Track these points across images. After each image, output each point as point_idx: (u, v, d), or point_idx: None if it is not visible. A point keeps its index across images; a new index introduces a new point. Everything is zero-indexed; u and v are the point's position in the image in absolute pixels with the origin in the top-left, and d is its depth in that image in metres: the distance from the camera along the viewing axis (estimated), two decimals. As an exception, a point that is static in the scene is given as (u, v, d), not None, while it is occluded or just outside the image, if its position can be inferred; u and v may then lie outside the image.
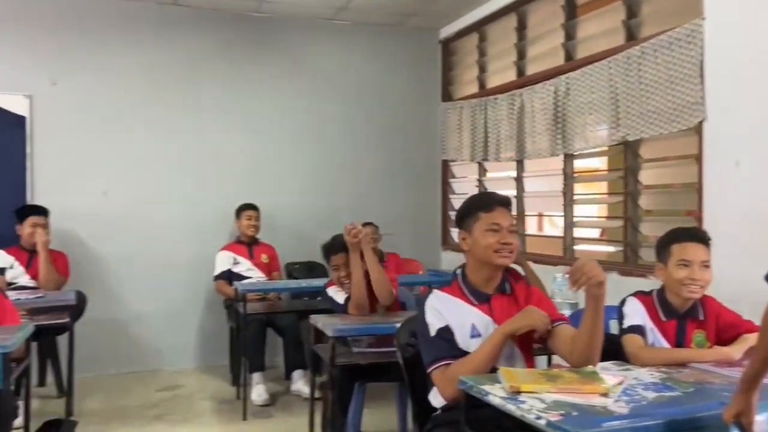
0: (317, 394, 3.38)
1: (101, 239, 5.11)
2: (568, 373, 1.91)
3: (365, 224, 5.20)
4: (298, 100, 5.61)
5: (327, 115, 5.69)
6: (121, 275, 5.16)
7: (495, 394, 1.74)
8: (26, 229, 4.53)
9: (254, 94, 5.50)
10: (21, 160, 4.89)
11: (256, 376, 4.36)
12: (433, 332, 2.09)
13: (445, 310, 2.13)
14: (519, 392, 1.73)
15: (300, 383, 4.42)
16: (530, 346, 2.20)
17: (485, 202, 2.21)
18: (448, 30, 5.87)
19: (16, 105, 4.86)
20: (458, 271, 2.24)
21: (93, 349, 4.66)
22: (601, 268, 1.88)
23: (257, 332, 4.44)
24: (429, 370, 2.07)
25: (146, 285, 5.20)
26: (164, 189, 5.28)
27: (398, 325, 2.44)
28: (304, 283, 4.77)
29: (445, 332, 2.09)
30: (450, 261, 5.72)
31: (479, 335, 2.10)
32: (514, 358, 2.14)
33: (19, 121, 4.87)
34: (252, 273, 4.96)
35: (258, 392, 4.30)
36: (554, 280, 3.09)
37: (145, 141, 5.23)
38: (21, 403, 2.92)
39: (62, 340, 4.37)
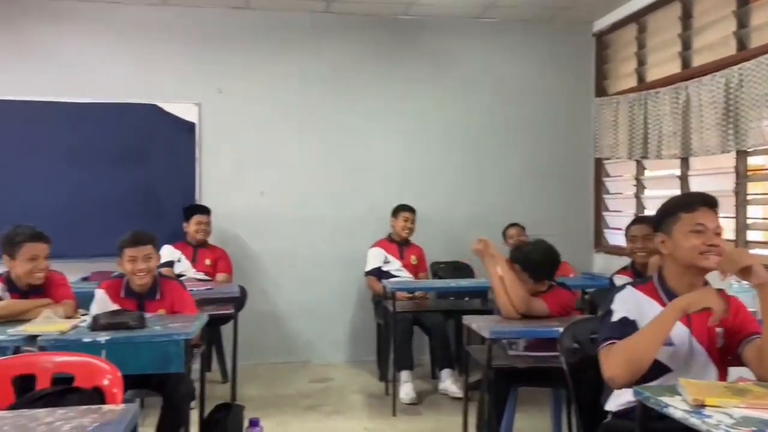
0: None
1: (258, 236, 5.41)
2: (756, 387, 1.75)
3: (511, 225, 5.12)
4: (445, 100, 5.63)
5: (473, 114, 5.66)
6: (276, 271, 5.43)
7: (676, 407, 1.62)
8: (191, 226, 4.91)
9: (401, 96, 5.58)
10: (191, 164, 5.30)
11: (404, 375, 4.40)
12: (615, 318, 2.00)
13: (636, 307, 2.02)
14: (703, 405, 1.61)
15: (448, 382, 4.41)
16: (725, 359, 2.04)
17: (687, 201, 2.08)
18: (603, 22, 5.61)
19: (187, 112, 5.28)
20: (655, 274, 2.12)
21: (251, 340, 4.91)
22: (749, 254, 1.80)
23: (405, 331, 4.48)
24: (598, 348, 1.98)
25: (299, 280, 5.44)
26: (316, 189, 5.49)
27: (560, 329, 2.36)
28: (452, 283, 4.76)
29: (628, 324, 1.98)
30: (603, 264, 5.47)
31: (672, 344, 1.97)
32: (707, 370, 2.00)
33: (189, 127, 5.29)
34: (400, 273, 5.01)
35: (405, 391, 4.34)
36: (730, 287, 2.84)
37: (298, 143, 5.47)
38: (196, 385, 3.14)
39: (224, 330, 4.70)
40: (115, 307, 3.14)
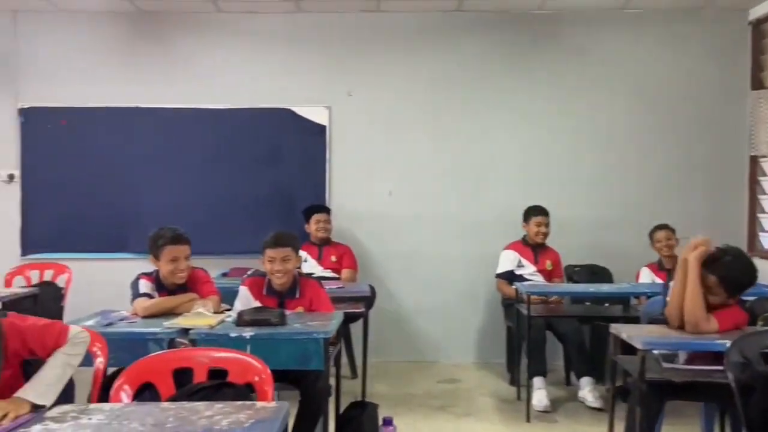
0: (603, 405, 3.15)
1: (385, 236, 5.45)
2: None
3: (660, 227, 4.77)
4: (580, 97, 5.39)
5: (611, 111, 5.38)
6: (404, 270, 5.45)
7: None
8: (312, 226, 5.05)
9: (533, 93, 5.41)
10: (322, 165, 5.44)
11: (538, 381, 4.24)
12: None
13: None
14: None
15: (586, 391, 4.21)
16: None
17: None
18: (760, 10, 5.15)
19: (318, 115, 5.42)
20: None
21: (377, 337, 4.92)
22: None
23: (539, 335, 4.32)
24: None
25: (426, 280, 5.43)
26: (443, 189, 5.45)
27: (725, 342, 2.16)
28: (591, 288, 4.54)
29: None
30: (759, 269, 5.00)
31: None
32: None
33: (320, 130, 5.43)
34: (534, 278, 4.84)
35: (539, 397, 4.18)
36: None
37: (426, 144, 5.46)
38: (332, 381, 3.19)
39: (353, 328, 4.76)
40: (257, 304, 3.26)
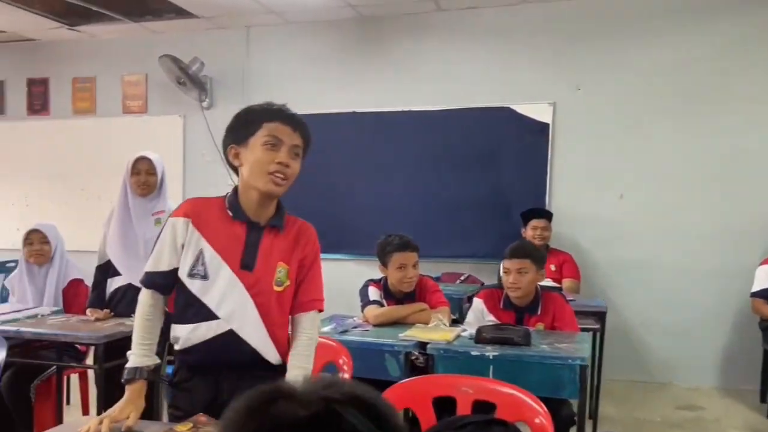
0: None
1: (612, 244, 5.01)
2: None
3: None
4: None
5: None
6: (630, 282, 4.98)
7: None
8: (528, 231, 4.74)
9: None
10: (542, 166, 5.12)
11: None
12: None
13: None
14: None
15: None
16: None
17: None
18: None
19: (541, 113, 5.10)
20: None
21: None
22: None
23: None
24: None
25: (661, 294, 4.91)
26: (687, 193, 4.87)
27: None
28: None
29: None
30: None
31: None
32: None
33: (542, 128, 5.11)
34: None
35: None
36: None
37: (666, 140, 4.90)
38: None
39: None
40: (491, 318, 3.09)
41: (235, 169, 1.84)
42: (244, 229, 1.79)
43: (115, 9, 5.35)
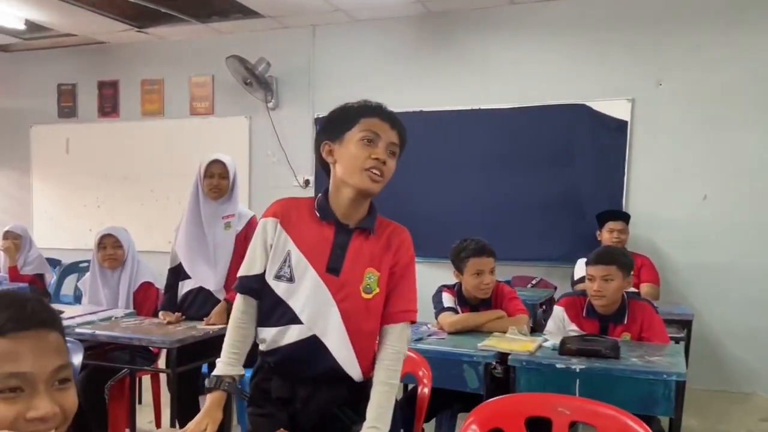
0: None
1: (693, 247, 4.75)
2: None
3: None
4: None
5: None
6: (716, 287, 4.70)
7: None
8: (604, 234, 4.54)
9: None
10: (620, 165, 4.89)
11: None
12: None
13: None
14: None
15: None
16: None
17: None
18: None
19: (618, 110, 4.86)
20: None
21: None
22: None
23: None
24: None
25: (743, 299, 4.63)
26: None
27: None
28: None
29: None
30: None
31: None
32: None
33: (619, 125, 4.87)
34: None
35: None
36: None
37: (752, 141, 4.60)
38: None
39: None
40: (573, 327, 2.93)
41: (327, 169, 1.74)
42: (332, 231, 1.70)
43: (182, 10, 5.39)
